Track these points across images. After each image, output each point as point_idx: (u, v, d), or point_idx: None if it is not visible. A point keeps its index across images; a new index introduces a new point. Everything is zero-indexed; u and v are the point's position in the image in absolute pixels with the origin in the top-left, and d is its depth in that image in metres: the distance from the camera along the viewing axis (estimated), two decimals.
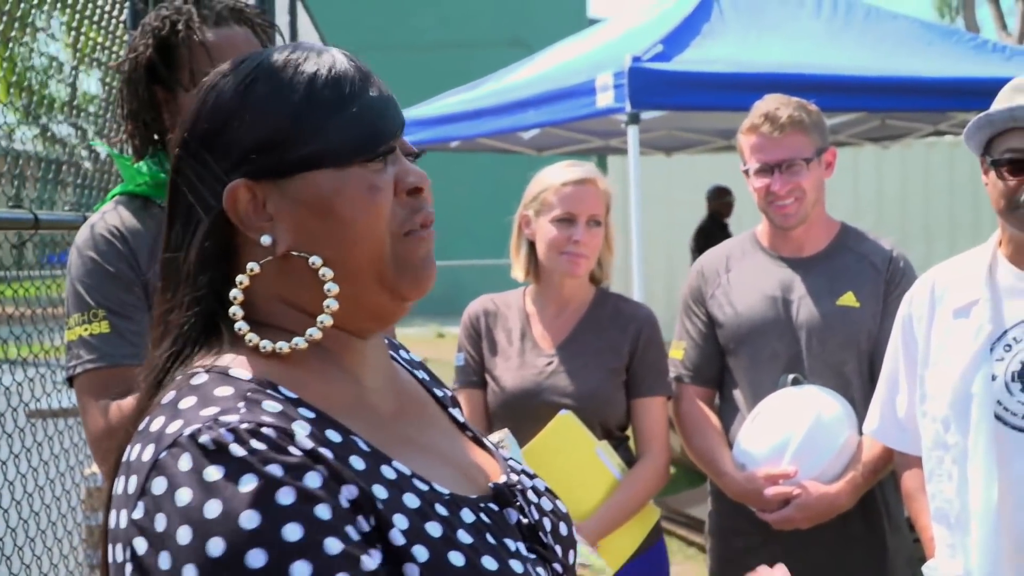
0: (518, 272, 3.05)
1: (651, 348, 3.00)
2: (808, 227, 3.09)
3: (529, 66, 7.47)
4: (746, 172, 3.09)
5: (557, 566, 1.29)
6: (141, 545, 1.05)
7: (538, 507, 1.33)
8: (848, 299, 3.03)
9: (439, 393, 1.46)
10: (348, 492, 1.10)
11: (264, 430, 1.08)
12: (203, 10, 2.19)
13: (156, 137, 2.27)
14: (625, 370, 2.97)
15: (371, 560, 1.07)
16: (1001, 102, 2.43)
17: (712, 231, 10.32)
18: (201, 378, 1.15)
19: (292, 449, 1.08)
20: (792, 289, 3.08)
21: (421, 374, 1.46)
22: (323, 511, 1.06)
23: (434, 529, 1.14)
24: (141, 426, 1.13)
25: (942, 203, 11.73)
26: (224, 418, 1.08)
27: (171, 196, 1.23)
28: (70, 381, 2.15)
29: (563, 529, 1.35)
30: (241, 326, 1.18)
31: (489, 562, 1.15)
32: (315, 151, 1.17)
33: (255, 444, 1.06)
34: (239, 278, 1.19)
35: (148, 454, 1.08)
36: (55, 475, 4.23)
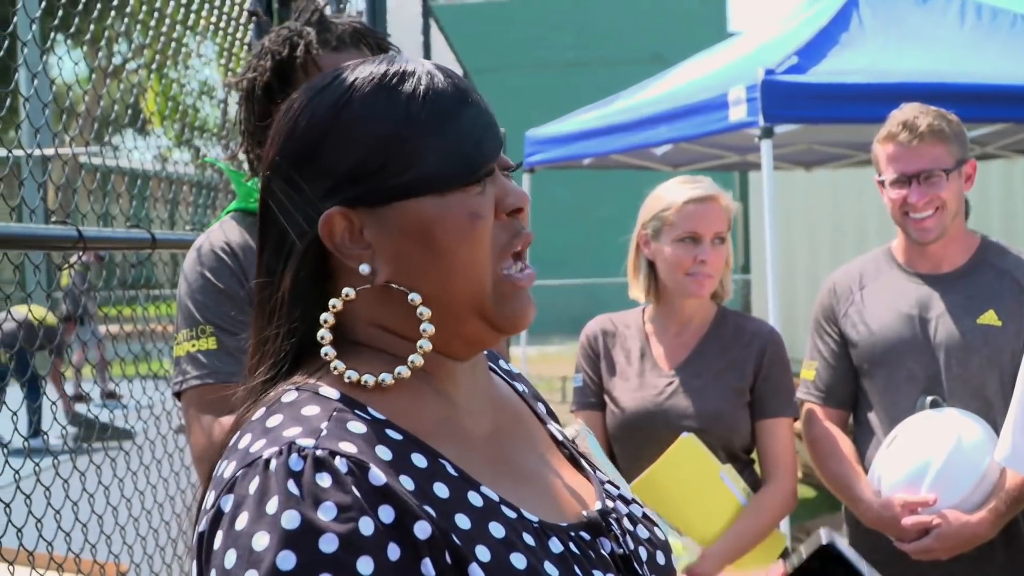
0: (637, 293, 2.98)
1: (776, 367, 2.88)
2: (946, 242, 2.95)
3: (662, 81, 7.40)
4: (881, 183, 2.97)
5: None
6: (204, 557, 1.05)
7: (634, 536, 1.26)
8: (990, 317, 2.89)
9: (538, 408, 1.40)
10: (421, 529, 1.05)
11: (336, 461, 1.04)
12: (324, 33, 2.17)
13: None
14: (749, 390, 2.87)
15: None
16: None
17: None
18: (291, 396, 1.12)
19: (356, 490, 1.04)
20: (930, 307, 2.95)
21: (520, 386, 1.41)
22: (365, 565, 1.01)
23: (519, 561, 1.09)
24: (232, 441, 1.12)
25: None
26: (301, 441, 1.05)
27: (262, 218, 1.19)
28: (177, 396, 2.16)
29: (660, 558, 1.28)
30: (328, 351, 1.14)
31: None
32: (414, 178, 1.12)
33: (320, 479, 1.03)
34: (332, 302, 1.15)
35: (229, 471, 1.07)
36: (187, 486, 4.32)
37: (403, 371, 1.14)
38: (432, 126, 1.13)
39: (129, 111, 4.18)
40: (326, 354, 1.14)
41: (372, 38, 2.23)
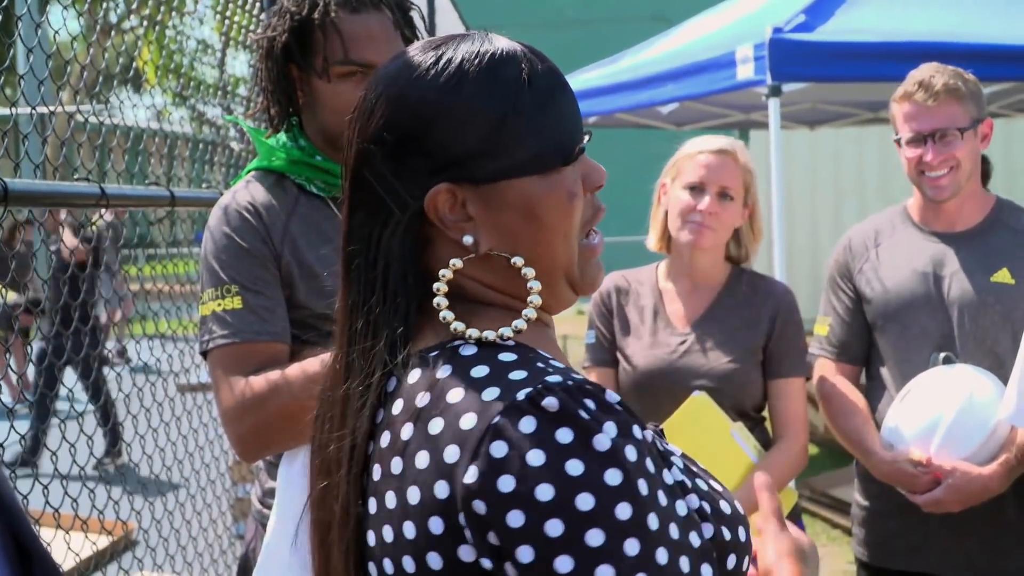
0: (651, 240, 2.99)
1: (789, 327, 2.90)
2: (961, 201, 2.96)
3: (668, 39, 7.36)
4: (898, 142, 2.97)
5: None
6: (480, 506, 1.07)
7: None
8: (1003, 276, 2.90)
9: None
10: (647, 435, 1.15)
11: (588, 387, 1.11)
12: None
13: (291, 112, 2.26)
14: (762, 350, 2.88)
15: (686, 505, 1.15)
16: None
17: None
18: (468, 348, 1.17)
19: (614, 406, 1.12)
20: (944, 265, 2.96)
21: None
22: (650, 465, 1.11)
23: (668, 478, 1.17)
24: (425, 401, 1.14)
25: None
26: (548, 379, 1.11)
27: (355, 186, 1.23)
28: (204, 355, 2.15)
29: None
30: (456, 325, 1.19)
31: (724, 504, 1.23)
32: (518, 159, 1.18)
33: (589, 403, 1.10)
34: (442, 272, 1.20)
35: (470, 423, 1.09)
36: (204, 443, 4.34)
37: (520, 324, 1.20)
38: (536, 110, 1.19)
39: (125, 65, 4.14)
40: (444, 318, 1.19)
41: (397, 1, 2.22)
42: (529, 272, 1.21)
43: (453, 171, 1.18)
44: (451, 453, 1.09)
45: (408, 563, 1.12)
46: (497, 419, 1.08)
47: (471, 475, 1.07)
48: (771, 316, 2.89)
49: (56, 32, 2.98)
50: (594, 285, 1.28)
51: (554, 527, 1.04)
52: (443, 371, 1.15)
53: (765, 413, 2.96)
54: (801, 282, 9.16)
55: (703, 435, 2.74)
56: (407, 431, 1.14)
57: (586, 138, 1.25)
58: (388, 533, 1.14)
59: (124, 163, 3.63)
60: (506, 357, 1.15)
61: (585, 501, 1.04)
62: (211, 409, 4.19)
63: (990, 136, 2.97)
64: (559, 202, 1.20)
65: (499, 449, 1.07)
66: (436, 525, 1.09)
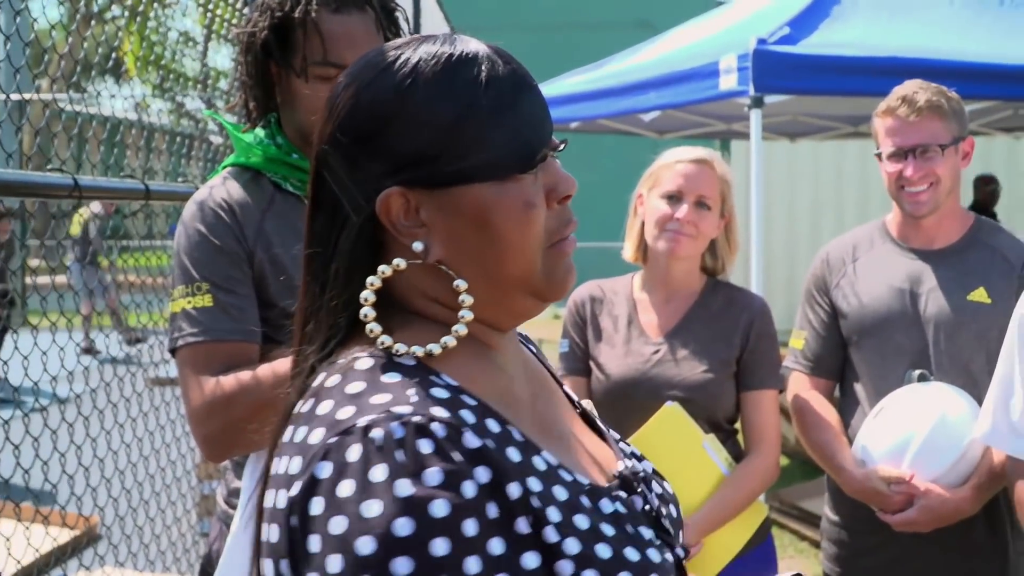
0: (628, 250, 2.98)
1: (763, 340, 2.89)
2: (940, 218, 2.96)
3: (652, 47, 7.37)
4: (879, 156, 2.97)
5: (678, 551, 1.27)
6: (294, 521, 1.06)
7: (652, 492, 1.31)
8: (980, 295, 2.90)
9: (550, 367, 1.45)
10: (513, 490, 1.09)
11: (433, 426, 1.06)
12: None
13: (269, 108, 2.24)
14: (736, 362, 2.87)
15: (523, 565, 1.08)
16: None
17: None
18: (366, 362, 1.14)
19: (456, 453, 1.06)
20: (921, 282, 2.96)
21: (533, 348, 1.45)
22: (471, 527, 1.04)
23: (582, 522, 1.13)
24: (305, 408, 1.13)
25: None
26: (396, 409, 1.07)
27: (315, 188, 1.21)
28: (172, 353, 2.13)
29: (673, 511, 1.33)
30: (367, 312, 1.17)
31: (632, 553, 1.15)
32: (474, 164, 1.15)
33: (422, 446, 1.05)
34: (381, 268, 1.17)
35: (317, 437, 1.08)
36: (171, 440, 4.30)
37: (449, 341, 1.17)
38: (494, 113, 1.15)
39: (108, 56, 4.10)
40: (371, 331, 1.16)
41: (380, 1, 2.18)
42: (467, 300, 1.17)
43: (407, 174, 1.15)
44: (295, 464, 1.08)
45: (267, 567, 1.10)
46: (333, 439, 1.06)
47: (295, 489, 1.06)
48: (746, 328, 2.88)
49: (35, 20, 2.94)
50: (562, 290, 1.23)
51: (334, 563, 1.02)
52: (330, 381, 1.13)
53: (738, 425, 2.95)
54: (778, 294, 9.19)
55: (674, 446, 2.73)
56: (287, 435, 1.13)
57: (561, 146, 1.22)
58: (264, 530, 1.12)
59: (100, 154, 3.59)
60: (389, 377, 1.12)
61: (365, 545, 1.01)
62: (179, 405, 4.16)
63: (971, 155, 2.97)
64: (514, 211, 1.16)
65: (322, 470, 1.05)
66: (273, 534, 1.09)
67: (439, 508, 1.02)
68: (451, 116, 1.14)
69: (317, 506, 1.04)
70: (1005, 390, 2.52)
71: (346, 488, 1.03)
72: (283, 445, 1.13)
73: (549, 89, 7.63)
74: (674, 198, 2.81)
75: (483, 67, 1.16)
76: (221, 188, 2.19)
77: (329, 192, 1.19)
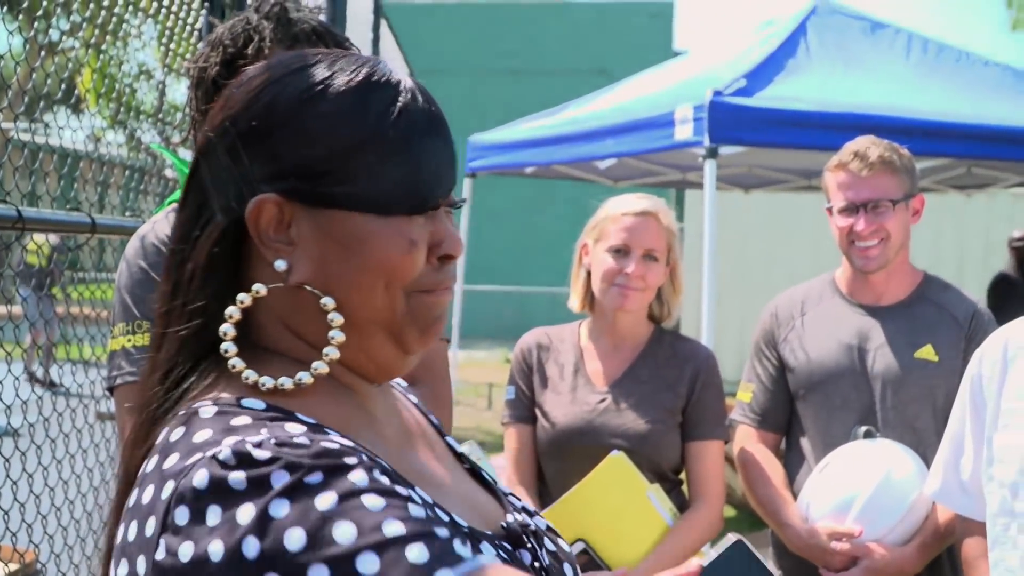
0: (574, 302, 2.96)
1: (709, 390, 2.88)
2: (889, 274, 2.98)
3: (610, 95, 7.42)
4: (829, 210, 2.99)
5: None
6: None
7: (545, 548, 1.23)
8: (927, 352, 2.91)
9: (434, 420, 1.38)
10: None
11: (297, 439, 0.98)
12: (281, 29, 2.10)
13: None
14: (681, 411, 2.86)
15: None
16: None
17: (1018, 281, 9.03)
18: (210, 411, 1.04)
19: (329, 444, 0.99)
20: (869, 338, 2.97)
21: (413, 399, 1.38)
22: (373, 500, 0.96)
23: None
24: (151, 467, 1.02)
25: None
26: (250, 438, 0.98)
27: (190, 179, 1.12)
28: (110, 391, 2.09)
29: (568, 571, 1.25)
30: (235, 363, 1.07)
31: None
32: (363, 192, 1.07)
33: (236, 479, 0.95)
34: (240, 296, 1.08)
35: (167, 492, 0.98)
36: (112, 477, 4.24)
37: (305, 377, 1.08)
38: (396, 148, 1.08)
39: (63, 87, 4.07)
40: (226, 351, 1.07)
41: (331, 38, 2.16)
42: (336, 319, 1.08)
43: (288, 184, 1.06)
44: (150, 525, 0.98)
45: None
46: (183, 481, 0.97)
47: (160, 551, 0.96)
48: (691, 378, 2.88)
49: None
50: (427, 339, 1.14)
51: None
52: (176, 433, 1.03)
53: (683, 475, 2.94)
54: (729, 346, 9.20)
55: (619, 495, 2.71)
56: (133, 497, 1.03)
57: (460, 203, 1.16)
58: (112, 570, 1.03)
59: (45, 186, 3.54)
60: (238, 421, 1.02)
61: (252, 547, 0.92)
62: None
63: (921, 211, 3.00)
64: (394, 247, 1.08)
65: (182, 516, 0.95)
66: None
67: (214, 548, 0.94)
68: (352, 137, 1.07)
69: (186, 551, 0.94)
70: (955, 449, 2.52)
71: (213, 517, 0.94)
72: (133, 509, 1.01)
73: (506, 134, 7.67)
74: (621, 251, 2.80)
75: (400, 98, 1.09)
76: (164, 223, 2.15)
77: (202, 184, 1.10)
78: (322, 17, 2.21)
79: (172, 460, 1.00)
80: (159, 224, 2.16)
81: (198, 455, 0.97)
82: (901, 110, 5.55)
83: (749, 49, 6.39)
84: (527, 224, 21.47)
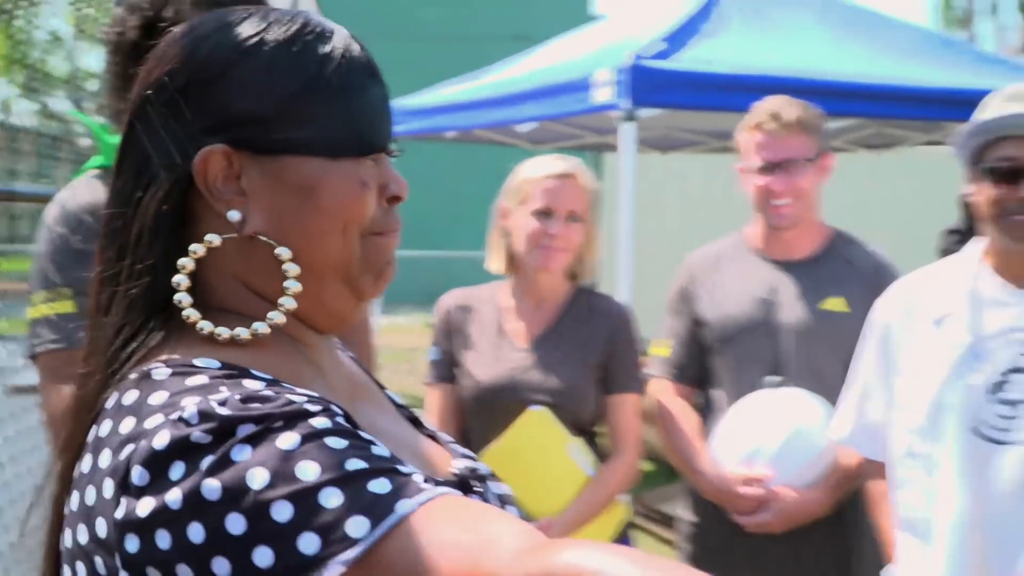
0: (494, 263, 3.01)
1: (625, 345, 2.97)
2: (800, 230, 3.08)
3: (529, 60, 7.44)
4: (745, 169, 3.06)
5: None
6: (132, 543, 0.93)
7: (491, 491, 1.27)
8: (834, 304, 3.02)
9: (372, 375, 1.39)
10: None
11: (262, 393, 0.97)
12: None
13: None
14: (600, 366, 2.94)
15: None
16: (994, 110, 2.39)
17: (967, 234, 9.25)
18: (163, 372, 1.01)
19: (293, 396, 0.98)
20: (779, 291, 3.07)
21: (350, 353, 1.39)
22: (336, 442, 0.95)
23: None
24: (104, 432, 1.00)
25: (933, 212, 11.69)
26: (213, 397, 0.96)
27: (125, 139, 1.10)
28: (32, 359, 2.09)
29: (514, 512, 1.28)
30: (190, 313, 1.06)
31: None
32: (312, 136, 1.08)
33: (253, 405, 0.95)
34: (193, 247, 1.07)
35: (124, 454, 0.96)
36: (30, 448, 4.22)
37: (262, 327, 1.08)
38: (341, 91, 1.09)
39: None
40: (187, 316, 1.06)
41: (252, 2, 2.16)
42: (292, 269, 1.08)
43: (234, 133, 1.06)
44: (107, 488, 0.96)
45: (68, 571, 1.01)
46: (142, 443, 0.95)
47: (120, 510, 0.94)
48: (608, 334, 2.95)
49: None
50: (380, 283, 1.15)
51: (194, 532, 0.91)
52: (129, 397, 1.01)
53: (601, 428, 3.02)
54: (648, 303, 9.34)
55: (540, 449, 2.78)
56: (87, 462, 1.01)
57: (397, 153, 1.17)
58: (67, 538, 1.02)
59: None
60: (194, 381, 0.99)
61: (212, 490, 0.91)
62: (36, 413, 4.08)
63: (830, 170, 3.09)
64: (348, 189, 1.09)
65: (140, 477, 0.94)
66: (99, 564, 0.98)
67: (286, 439, 0.94)
68: (297, 82, 1.08)
69: (144, 507, 0.93)
70: (861, 395, 2.64)
71: (177, 471, 0.93)
72: (86, 475, 1.00)
73: (426, 99, 7.66)
74: (544, 214, 2.86)
75: (339, 46, 1.10)
76: (85, 190, 2.13)
77: (139, 145, 1.08)
78: None
79: (128, 424, 0.98)
80: (79, 191, 2.13)
81: (158, 417, 0.96)
82: (815, 72, 5.62)
83: (666, 14, 6.42)
84: (447, 189, 21.45)
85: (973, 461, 2.34)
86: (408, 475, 0.96)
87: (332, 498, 0.90)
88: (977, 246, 2.51)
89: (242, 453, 0.92)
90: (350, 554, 0.89)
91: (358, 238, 1.11)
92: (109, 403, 1.03)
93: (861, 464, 2.73)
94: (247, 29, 1.09)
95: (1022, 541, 2.31)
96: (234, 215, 1.07)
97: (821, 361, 3.00)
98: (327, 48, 1.10)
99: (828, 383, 2.95)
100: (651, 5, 7.25)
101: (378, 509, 0.91)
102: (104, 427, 1.01)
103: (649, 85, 5.39)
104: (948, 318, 2.45)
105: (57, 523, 1.07)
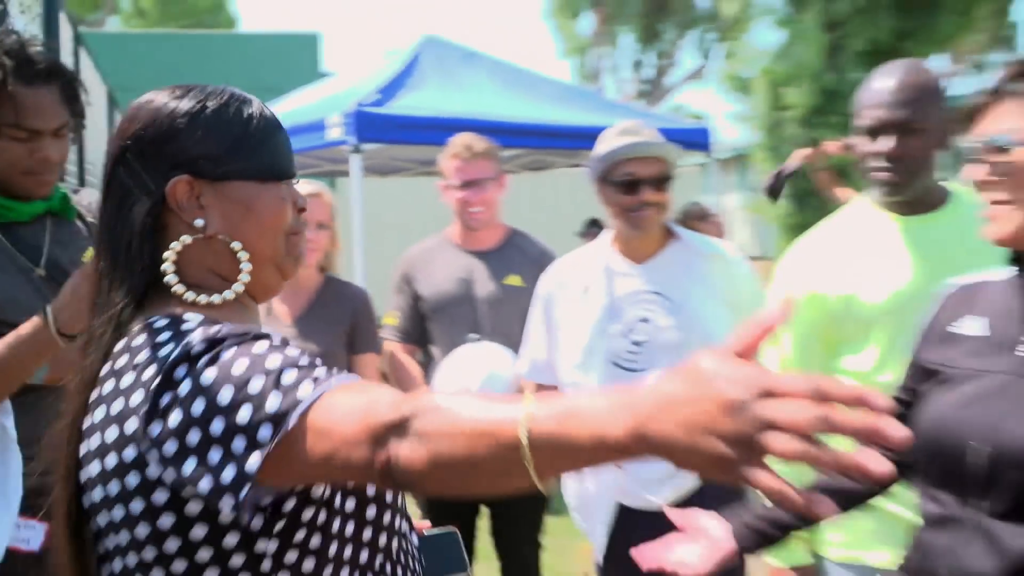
0: None
1: (365, 318, 3.06)
2: (488, 229, 3.25)
3: (276, 105, 7.31)
4: (447, 187, 3.19)
5: None
6: (156, 427, 1.01)
7: None
8: (514, 280, 3.17)
9: None
10: None
11: (240, 330, 1.07)
12: (24, 68, 1.93)
13: None
14: (347, 334, 3.01)
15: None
16: (610, 142, 2.53)
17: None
18: (162, 322, 1.11)
19: (259, 330, 1.09)
20: (474, 273, 3.21)
21: None
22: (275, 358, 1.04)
23: None
24: (120, 365, 1.09)
25: (575, 214, 12.32)
26: (210, 330, 1.06)
27: (108, 180, 1.19)
28: None
29: None
30: (178, 288, 1.15)
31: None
32: (248, 167, 1.18)
33: (232, 331, 1.06)
34: (173, 244, 1.16)
35: (147, 371, 1.05)
36: None
37: (229, 294, 1.17)
38: (263, 136, 1.19)
39: None
40: (167, 280, 1.15)
41: (65, 76, 2.01)
42: (244, 255, 1.18)
43: (192, 167, 1.16)
44: (136, 398, 1.05)
45: (113, 487, 1.07)
46: (166, 366, 1.04)
47: (149, 402, 1.03)
48: (352, 310, 3.03)
49: None
50: (296, 267, 1.25)
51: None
52: (138, 339, 1.10)
53: None
54: (377, 287, 9.32)
55: None
56: (109, 386, 1.10)
57: (296, 180, 1.27)
58: (96, 467, 1.08)
59: None
60: (187, 326, 1.09)
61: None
62: None
63: (505, 186, 3.26)
64: (273, 203, 1.19)
65: (166, 396, 1.03)
66: (130, 454, 1.05)
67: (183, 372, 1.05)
68: (233, 132, 1.18)
69: (179, 408, 1.01)
70: (534, 343, 2.79)
71: (202, 376, 1.02)
72: (106, 397, 1.09)
73: None
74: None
75: (256, 109, 1.21)
76: None
77: (121, 181, 1.18)
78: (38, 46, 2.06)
79: (144, 354, 1.08)
80: None
81: (168, 345, 1.06)
82: (489, 116, 5.79)
83: (380, 71, 6.47)
84: None
85: (614, 385, 2.44)
86: (316, 367, 1.04)
87: (290, 375, 1.00)
88: (607, 236, 2.65)
89: (227, 353, 1.03)
90: (302, 407, 0.98)
91: (283, 236, 1.21)
92: (117, 347, 1.12)
93: (538, 389, 2.87)
94: (194, 98, 1.19)
95: None
96: (199, 222, 1.16)
97: (506, 322, 3.13)
98: (250, 110, 1.20)
99: (512, 338, 3.07)
100: (368, 66, 7.26)
101: (316, 381, 1.00)
102: (120, 361, 1.10)
103: (369, 126, 5.44)
104: (591, 287, 2.59)
105: (76, 436, 1.12)
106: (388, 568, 1.16)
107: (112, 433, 1.07)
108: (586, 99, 7.10)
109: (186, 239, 1.17)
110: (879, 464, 0.72)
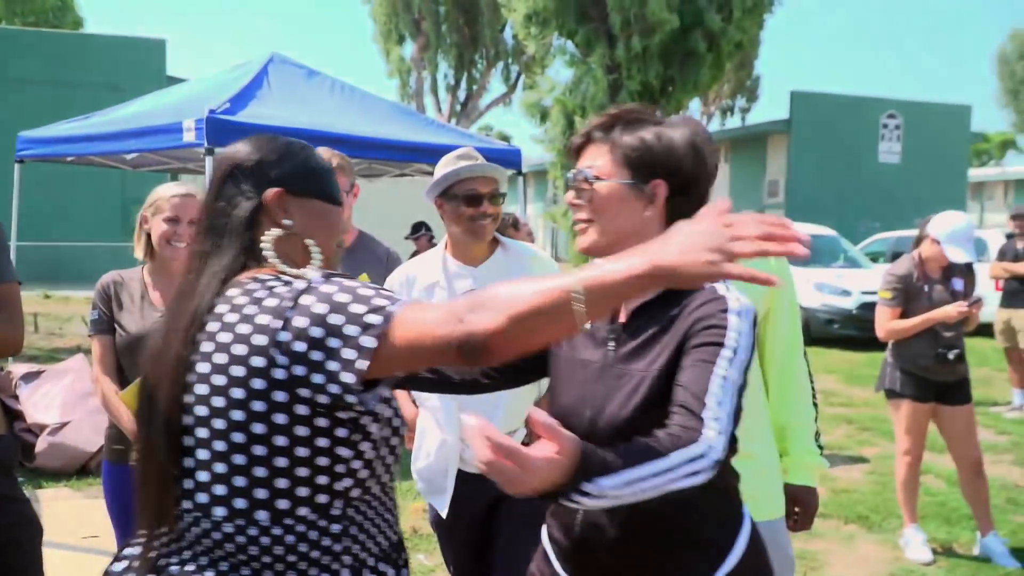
0: (138, 252, 2.88)
1: None
2: (343, 233, 3.19)
3: (134, 104, 6.98)
4: None
5: None
6: (285, 334, 1.18)
7: None
8: (363, 278, 3.16)
9: None
10: None
11: (333, 281, 1.25)
12: None
13: None
14: None
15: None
16: (450, 165, 2.57)
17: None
18: (266, 276, 1.28)
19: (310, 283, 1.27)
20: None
21: None
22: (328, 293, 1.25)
23: None
24: (241, 301, 1.24)
25: (404, 217, 12.31)
26: (312, 276, 1.26)
27: (220, 187, 1.37)
28: None
29: None
30: (275, 262, 1.32)
31: None
32: (321, 191, 1.40)
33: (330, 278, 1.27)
34: (268, 232, 1.35)
35: (270, 301, 1.22)
36: None
37: (308, 272, 1.31)
38: (327, 174, 1.44)
39: None
40: (267, 256, 1.32)
41: None
42: (315, 249, 1.38)
43: (283, 184, 1.38)
44: (265, 318, 1.21)
45: (222, 399, 1.22)
46: (299, 296, 1.22)
47: (285, 315, 1.21)
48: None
49: None
50: (340, 260, 1.48)
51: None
52: (250, 285, 1.28)
53: None
54: None
55: None
56: (231, 317, 1.25)
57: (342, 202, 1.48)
58: (219, 379, 1.22)
59: None
60: (287, 277, 1.30)
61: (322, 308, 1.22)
62: None
63: (358, 194, 3.23)
64: (336, 216, 1.43)
65: (299, 310, 1.21)
66: (258, 361, 1.20)
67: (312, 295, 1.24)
68: (308, 168, 1.42)
69: (300, 318, 1.19)
70: None
71: (311, 303, 1.20)
72: (234, 323, 1.23)
73: (48, 131, 6.90)
74: (174, 220, 2.79)
75: (321, 156, 1.46)
76: None
77: (230, 189, 1.38)
78: None
79: (260, 291, 1.25)
80: None
81: (279, 285, 1.24)
82: (329, 128, 5.78)
83: (229, 82, 6.29)
84: (62, 197, 19.09)
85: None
86: (395, 299, 1.23)
87: (371, 317, 1.19)
88: (443, 242, 2.68)
89: (339, 278, 1.25)
90: (400, 303, 1.20)
91: (335, 240, 1.45)
92: (233, 291, 1.27)
93: None
94: (280, 143, 1.43)
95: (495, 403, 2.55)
96: (288, 222, 1.36)
97: None
98: (317, 155, 1.46)
99: None
100: (217, 75, 7.02)
101: (384, 312, 1.19)
102: (237, 300, 1.25)
103: (220, 131, 5.32)
104: (434, 285, 2.63)
105: (180, 389, 1.26)
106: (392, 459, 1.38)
107: (239, 349, 1.21)
108: (412, 118, 7.19)
109: (277, 232, 1.36)
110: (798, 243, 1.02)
